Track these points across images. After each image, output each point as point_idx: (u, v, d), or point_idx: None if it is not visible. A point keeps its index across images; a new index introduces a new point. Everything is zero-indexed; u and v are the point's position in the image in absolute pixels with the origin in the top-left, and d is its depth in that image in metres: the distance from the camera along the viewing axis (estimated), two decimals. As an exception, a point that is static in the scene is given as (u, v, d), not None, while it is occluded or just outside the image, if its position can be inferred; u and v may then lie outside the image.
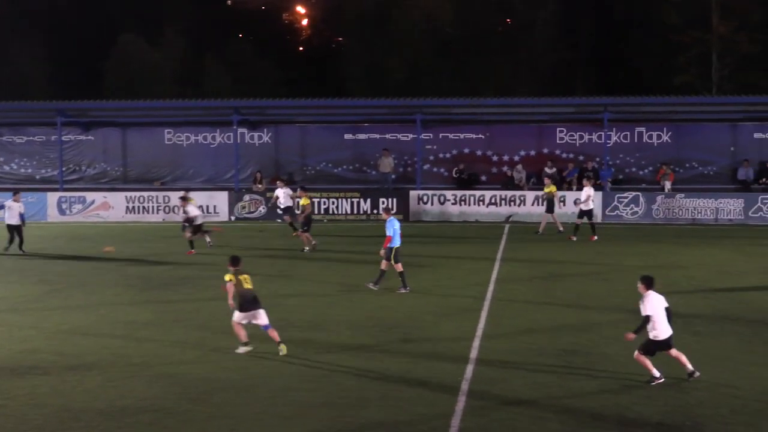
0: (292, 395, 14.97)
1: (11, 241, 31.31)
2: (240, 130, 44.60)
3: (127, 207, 41.35)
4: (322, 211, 40.72)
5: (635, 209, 39.58)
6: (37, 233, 35.57)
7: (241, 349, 17.56)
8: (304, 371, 16.33)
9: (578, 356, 17.00)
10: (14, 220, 31.23)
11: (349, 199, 41.07)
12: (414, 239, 32.24)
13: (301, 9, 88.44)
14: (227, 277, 17.48)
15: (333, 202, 41.07)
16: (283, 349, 17.29)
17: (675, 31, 58.52)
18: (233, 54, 71.84)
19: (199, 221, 31.32)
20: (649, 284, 15.36)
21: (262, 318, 17.47)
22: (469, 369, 16.25)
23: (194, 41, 73.57)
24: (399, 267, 23.68)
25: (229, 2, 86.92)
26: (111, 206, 41.33)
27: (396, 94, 49.34)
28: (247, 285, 17.49)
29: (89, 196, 41.91)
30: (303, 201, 31.60)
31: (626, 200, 39.71)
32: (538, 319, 20.31)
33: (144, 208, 41.37)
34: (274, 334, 17.47)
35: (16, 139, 46.94)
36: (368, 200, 41.01)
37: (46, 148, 46.42)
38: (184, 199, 32.24)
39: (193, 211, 31.48)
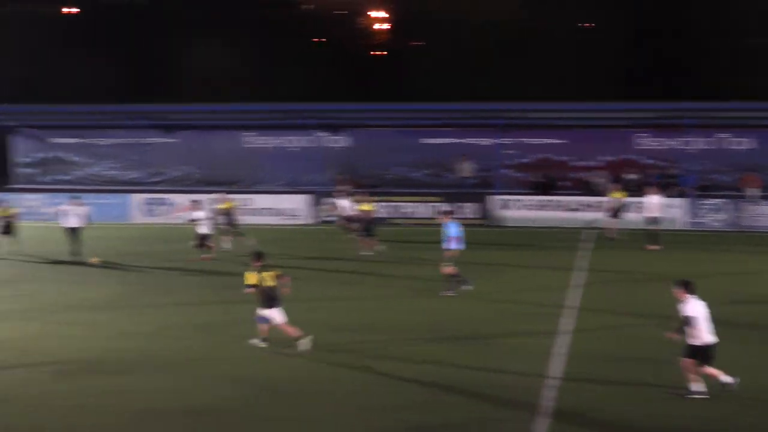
0: (362, 399, 15.10)
1: (73, 244, 31.08)
2: (319, 133, 44.91)
3: (208, 208, 41.77)
4: (400, 215, 40.79)
5: (719, 216, 38.92)
6: (121, 234, 36.24)
7: (256, 341, 18.17)
8: (370, 377, 16.38)
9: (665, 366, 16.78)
10: (72, 224, 31.06)
11: (427, 204, 41.05)
12: (492, 245, 32.15)
13: (377, 12, 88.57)
14: (251, 280, 17.93)
15: (411, 206, 41.11)
16: (305, 342, 17.75)
17: (757, 34, 57.44)
18: (308, 57, 72.17)
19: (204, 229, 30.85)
20: (689, 289, 15.07)
21: (277, 314, 17.98)
22: (548, 382, 16.07)
23: (270, 44, 74.11)
24: (450, 270, 23.63)
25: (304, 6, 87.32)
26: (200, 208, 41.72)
27: (474, 98, 49.19)
28: (270, 282, 17.90)
29: (172, 198, 42.48)
30: (363, 206, 31.62)
31: (710, 207, 39.09)
32: (619, 329, 20.11)
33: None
34: (290, 329, 17.96)
35: (102, 141, 47.87)
36: (448, 205, 40.89)
37: (130, 150, 47.27)
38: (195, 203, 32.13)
39: (198, 215, 31.03)
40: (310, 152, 44.81)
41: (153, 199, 42.28)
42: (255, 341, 18.25)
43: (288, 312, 18.12)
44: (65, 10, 78.82)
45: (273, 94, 64.55)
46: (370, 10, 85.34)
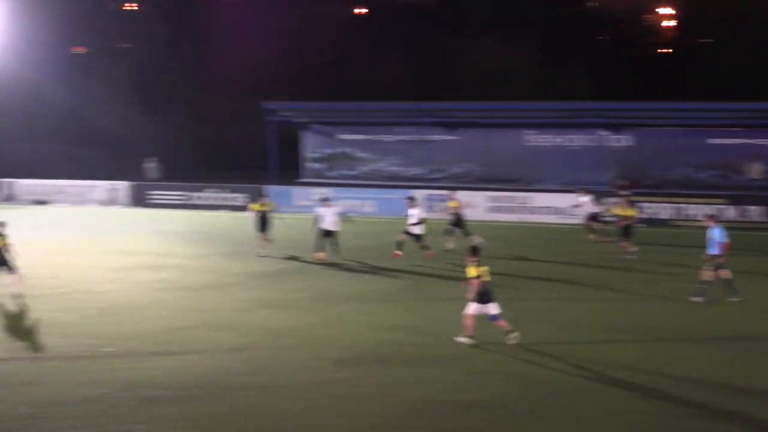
0: (628, 401, 14.92)
1: (332, 244, 30.13)
2: (601, 132, 44.36)
3: (488, 206, 42.20)
4: (682, 217, 39.60)
5: None
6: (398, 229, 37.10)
7: (463, 339, 18.32)
8: (625, 379, 16.12)
9: None
10: (328, 226, 29.90)
11: (711, 206, 39.57)
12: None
13: (664, 10, 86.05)
14: (473, 272, 18.06)
15: (693, 208, 39.78)
16: (514, 337, 18.15)
17: None
18: (591, 55, 71.23)
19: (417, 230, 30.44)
20: None
21: (493, 309, 18.24)
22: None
23: (550, 42, 73.74)
24: (709, 275, 22.66)
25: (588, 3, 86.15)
26: (473, 205, 42.30)
27: (765, 97, 46.90)
28: (486, 277, 18.20)
29: (454, 195, 43.06)
30: (622, 210, 30.65)
31: None
32: None
33: (504, 207, 42.07)
34: (503, 324, 18.25)
35: (386, 138, 49.43)
36: (734, 207, 39.31)
37: (413, 147, 48.53)
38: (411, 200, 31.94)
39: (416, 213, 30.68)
40: (591, 151, 44.34)
41: (434, 195, 43.07)
42: (462, 339, 18.49)
43: (542, 311, 18.14)
44: (356, 11, 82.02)
45: (555, 93, 64.28)
46: (657, 8, 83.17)
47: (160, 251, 31.38)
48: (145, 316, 21.49)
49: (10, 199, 49.20)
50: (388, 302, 22.92)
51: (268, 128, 48.24)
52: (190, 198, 45.68)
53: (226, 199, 45.10)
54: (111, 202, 47.32)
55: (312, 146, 50.75)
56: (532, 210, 40.74)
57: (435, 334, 19.30)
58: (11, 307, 22.51)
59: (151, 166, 51.09)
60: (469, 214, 40.84)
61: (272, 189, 43.71)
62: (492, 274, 18.61)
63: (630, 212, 30.62)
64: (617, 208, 31.25)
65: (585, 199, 35.15)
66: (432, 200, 42.20)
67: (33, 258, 29.53)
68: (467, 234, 31.07)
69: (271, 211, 31.17)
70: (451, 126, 47.83)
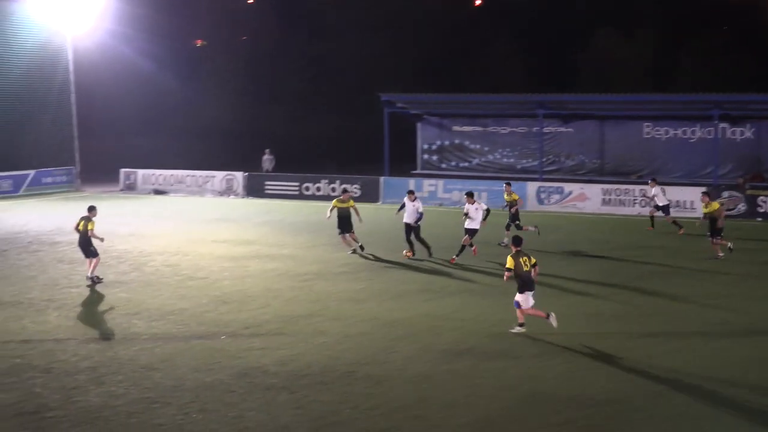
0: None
1: (423, 245, 28.78)
2: (721, 124, 43.33)
3: (603, 199, 41.57)
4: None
5: None
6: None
7: (516, 329, 18.78)
8: None
9: None
10: (407, 219, 28.51)
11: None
12: None
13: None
14: (510, 265, 18.64)
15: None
16: (553, 319, 18.58)
17: None
18: (710, 47, 69.59)
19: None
20: None
21: (531, 298, 18.66)
22: None
23: (667, 34, 72.37)
24: None
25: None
26: (587, 197, 41.81)
27: None
28: (526, 268, 18.58)
29: (567, 186, 42.65)
30: (710, 206, 28.46)
31: None
32: None
33: (620, 200, 41.39)
34: (534, 311, 18.68)
35: (500, 129, 49.20)
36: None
37: (526, 139, 48.20)
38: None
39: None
40: (709, 144, 43.37)
41: (546, 187, 42.69)
42: (516, 329, 18.78)
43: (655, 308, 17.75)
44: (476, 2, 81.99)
45: (673, 84, 63.13)
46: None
47: (273, 241, 31.78)
48: (257, 305, 21.79)
49: (130, 188, 50.50)
50: (496, 296, 22.74)
51: (384, 119, 48.41)
52: (304, 189, 46.16)
53: (337, 190, 45.44)
54: (227, 192, 48.16)
55: (426, 137, 50.84)
56: (647, 203, 39.88)
57: (543, 327, 19.09)
58: (128, 294, 23.10)
59: (266, 157, 51.81)
60: (584, 207, 40.56)
61: (386, 180, 44.11)
62: (604, 269, 18.33)
63: (713, 207, 28.35)
64: (709, 206, 28.45)
65: (656, 190, 34.63)
66: (544, 193, 41.86)
67: (150, 247, 30.31)
68: (520, 228, 30.17)
69: (350, 208, 29.28)
70: (565, 118, 47.38)
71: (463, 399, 14.85)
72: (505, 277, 19.09)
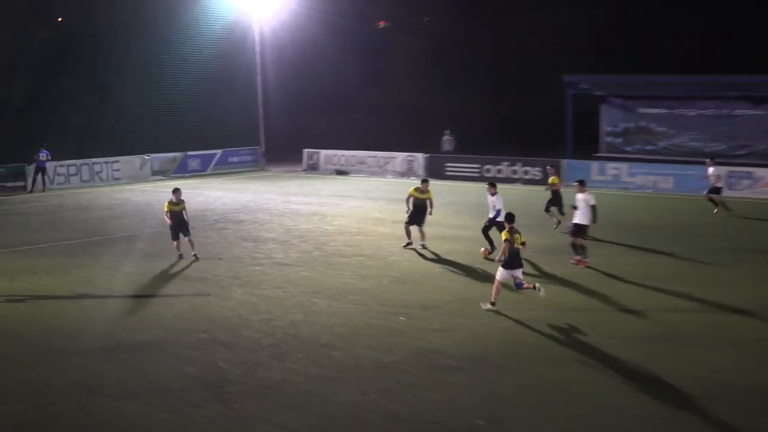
0: None
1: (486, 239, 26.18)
2: None
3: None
4: None
5: None
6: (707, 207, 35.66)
7: (488, 306, 19.13)
8: None
9: None
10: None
11: None
12: None
13: None
14: (504, 236, 18.95)
15: None
16: (543, 291, 19.07)
17: None
18: None
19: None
20: None
21: (519, 274, 19.14)
22: None
23: None
24: None
25: None
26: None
27: None
28: (518, 244, 18.91)
29: (758, 172, 40.94)
30: None
31: None
32: None
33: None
34: (528, 285, 19.19)
35: (686, 112, 47.62)
36: None
37: (715, 121, 46.47)
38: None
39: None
40: None
41: (736, 172, 41.03)
42: (487, 306, 19.20)
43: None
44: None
45: None
46: None
47: (453, 223, 31.71)
48: (435, 286, 21.81)
49: (313, 168, 51.49)
50: (677, 280, 21.99)
51: (567, 101, 47.64)
52: (485, 171, 45.92)
53: (518, 172, 45.03)
54: (408, 173, 48.43)
55: (610, 120, 49.77)
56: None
57: (727, 314, 18.37)
58: (310, 273, 23.50)
59: (446, 138, 51.78)
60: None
61: (569, 163, 43.35)
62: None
63: None
64: None
65: (713, 170, 33.24)
66: (734, 177, 40.23)
67: (331, 227, 30.81)
68: (563, 213, 29.48)
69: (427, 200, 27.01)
70: (758, 100, 45.42)
71: (646, 386, 14.41)
72: (500, 253, 19.21)
